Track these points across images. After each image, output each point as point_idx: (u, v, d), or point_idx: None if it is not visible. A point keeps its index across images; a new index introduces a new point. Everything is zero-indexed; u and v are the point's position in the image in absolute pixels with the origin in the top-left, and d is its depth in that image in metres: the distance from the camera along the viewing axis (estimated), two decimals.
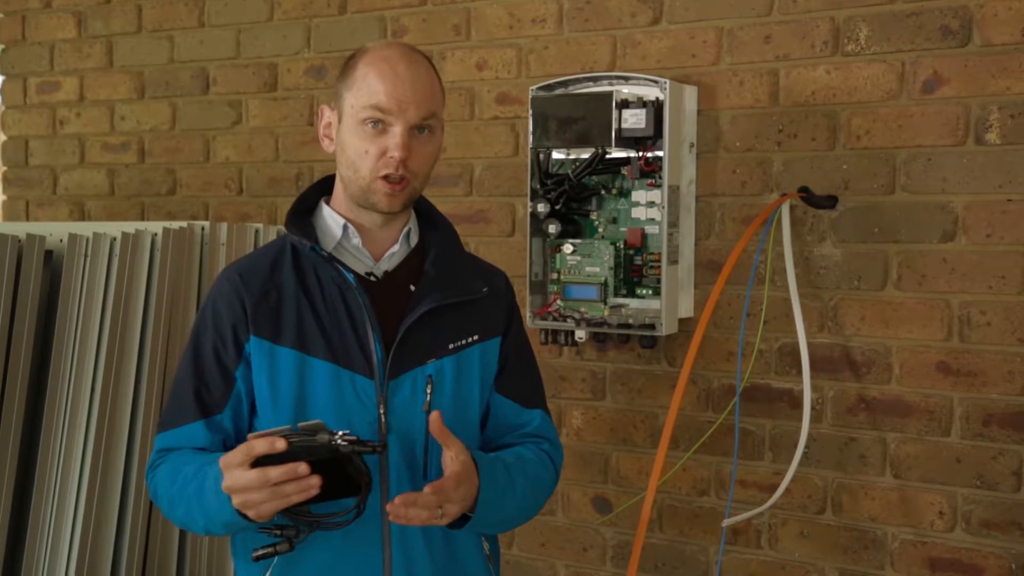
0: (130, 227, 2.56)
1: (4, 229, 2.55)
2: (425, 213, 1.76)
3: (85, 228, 2.58)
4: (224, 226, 2.67)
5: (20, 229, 2.59)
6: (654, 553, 2.60)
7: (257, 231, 2.73)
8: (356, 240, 1.66)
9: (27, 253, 2.49)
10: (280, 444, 1.42)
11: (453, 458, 1.52)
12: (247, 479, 1.43)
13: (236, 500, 1.45)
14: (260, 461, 1.43)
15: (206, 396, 1.62)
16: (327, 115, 1.67)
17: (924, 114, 2.27)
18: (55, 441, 2.47)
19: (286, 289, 1.62)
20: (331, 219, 1.68)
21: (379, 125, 1.58)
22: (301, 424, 1.46)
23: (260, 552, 1.51)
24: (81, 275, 2.50)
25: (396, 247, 1.68)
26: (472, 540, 1.70)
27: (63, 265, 2.50)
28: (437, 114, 1.63)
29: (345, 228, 1.66)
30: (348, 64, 1.64)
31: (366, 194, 1.61)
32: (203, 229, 2.67)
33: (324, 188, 1.73)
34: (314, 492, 1.44)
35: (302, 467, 1.42)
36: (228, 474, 1.45)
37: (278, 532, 1.52)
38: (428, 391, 1.63)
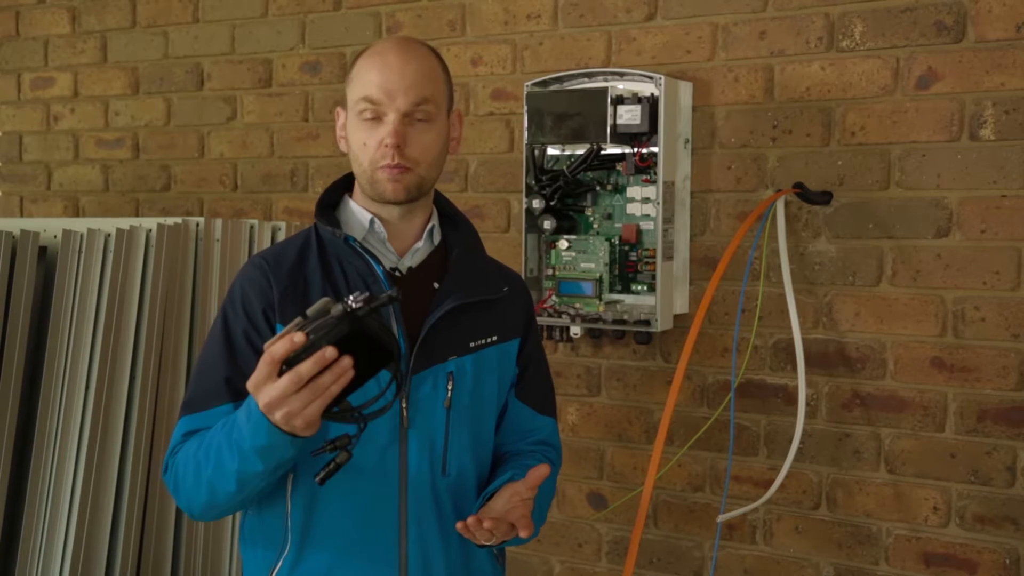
0: (124, 223, 2.56)
1: None
2: (446, 212, 1.78)
3: (79, 224, 2.58)
4: (219, 222, 2.67)
5: (14, 225, 2.58)
6: (649, 548, 2.61)
7: (252, 227, 2.72)
8: (383, 234, 1.67)
9: (21, 249, 2.49)
10: (298, 338, 1.35)
11: (524, 498, 1.57)
12: (281, 386, 1.35)
13: (278, 416, 1.38)
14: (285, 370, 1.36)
15: (238, 381, 1.58)
16: (341, 117, 1.69)
17: (918, 110, 2.27)
18: (50, 438, 2.47)
19: (312, 280, 1.62)
20: (358, 212, 1.68)
21: (375, 117, 1.59)
22: (308, 311, 1.39)
23: (322, 474, 1.44)
24: (75, 271, 2.50)
25: (420, 243, 1.69)
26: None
27: (57, 261, 2.50)
28: (432, 100, 1.61)
29: (372, 222, 1.66)
30: (351, 64, 1.66)
31: (373, 185, 1.62)
32: (198, 225, 2.66)
33: (348, 183, 1.73)
34: (350, 374, 1.36)
35: (329, 351, 1.34)
36: (261, 393, 1.38)
37: (330, 447, 1.44)
38: (449, 388, 1.63)
